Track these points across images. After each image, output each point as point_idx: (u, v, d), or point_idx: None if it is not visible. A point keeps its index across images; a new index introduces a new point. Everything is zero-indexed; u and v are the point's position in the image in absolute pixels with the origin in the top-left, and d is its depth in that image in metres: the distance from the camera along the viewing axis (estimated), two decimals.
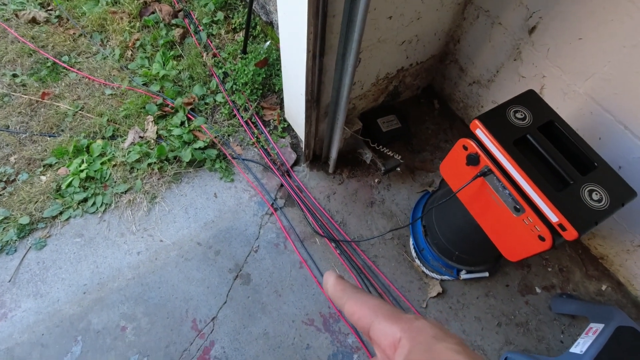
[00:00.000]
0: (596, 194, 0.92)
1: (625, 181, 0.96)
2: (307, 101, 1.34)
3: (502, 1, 1.43)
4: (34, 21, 2.03)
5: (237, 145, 1.79)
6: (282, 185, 1.70)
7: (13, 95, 1.82)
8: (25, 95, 1.82)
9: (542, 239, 0.97)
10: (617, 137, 1.28)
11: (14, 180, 1.62)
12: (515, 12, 1.40)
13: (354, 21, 0.99)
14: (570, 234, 0.89)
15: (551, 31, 1.31)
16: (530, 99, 1.07)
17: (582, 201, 0.92)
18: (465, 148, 1.09)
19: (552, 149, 0.99)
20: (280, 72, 1.90)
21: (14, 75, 1.87)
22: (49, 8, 2.11)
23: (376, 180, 1.75)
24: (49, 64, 1.92)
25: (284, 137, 1.82)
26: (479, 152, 1.04)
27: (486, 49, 1.60)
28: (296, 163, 1.76)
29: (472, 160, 1.07)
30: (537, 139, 1.00)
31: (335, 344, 1.42)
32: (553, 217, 0.91)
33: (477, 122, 1.02)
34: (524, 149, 1.00)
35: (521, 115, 1.04)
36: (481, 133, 1.02)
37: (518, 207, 1.00)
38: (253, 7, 1.83)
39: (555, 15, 1.28)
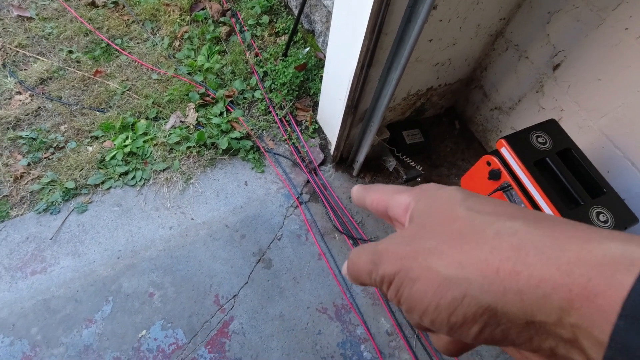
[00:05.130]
0: (603, 216, 1.05)
1: (630, 208, 1.08)
2: (346, 106, 1.47)
3: (531, 38, 1.57)
4: (92, 4, 2.18)
5: (270, 139, 1.92)
6: (308, 181, 1.82)
7: (67, 69, 1.95)
8: (79, 71, 1.96)
9: None
10: (624, 172, 1.40)
11: (63, 147, 1.75)
12: (542, 49, 1.54)
13: (406, 40, 1.13)
14: None
15: (574, 70, 1.45)
16: (552, 127, 1.21)
17: (590, 221, 1.04)
18: (489, 164, 1.22)
19: (567, 172, 1.12)
20: (317, 77, 2.05)
21: (70, 52, 2.01)
22: None
23: None
24: (103, 44, 2.06)
25: (314, 138, 1.95)
26: (502, 168, 1.17)
27: (511, 79, 1.74)
28: (323, 163, 1.89)
29: (494, 175, 1.20)
30: (555, 163, 1.13)
31: (345, 332, 1.53)
32: None
33: (503, 141, 1.15)
34: (542, 170, 1.13)
35: (542, 140, 1.17)
36: (506, 151, 1.15)
37: None
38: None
39: (579, 56, 1.42)
